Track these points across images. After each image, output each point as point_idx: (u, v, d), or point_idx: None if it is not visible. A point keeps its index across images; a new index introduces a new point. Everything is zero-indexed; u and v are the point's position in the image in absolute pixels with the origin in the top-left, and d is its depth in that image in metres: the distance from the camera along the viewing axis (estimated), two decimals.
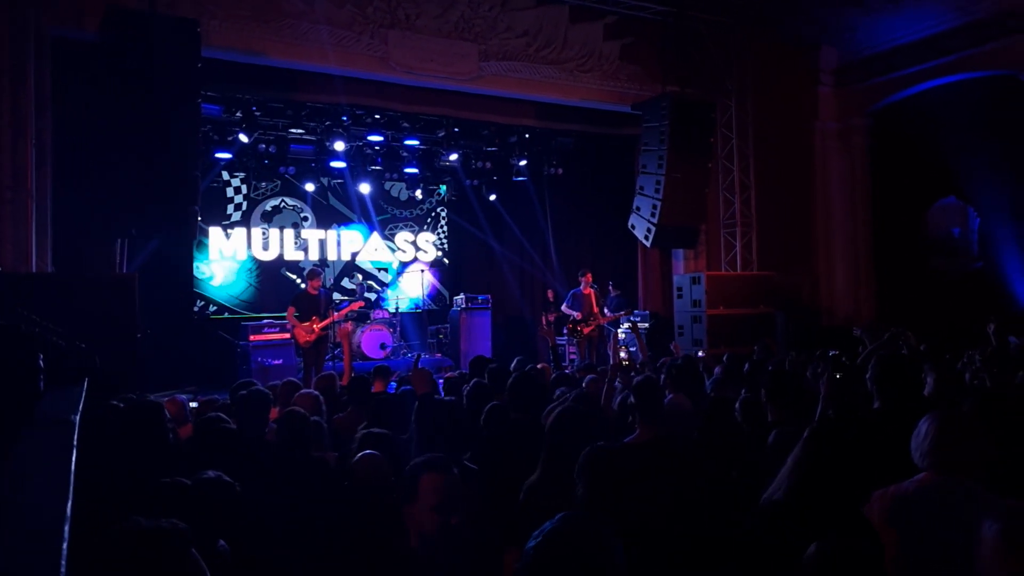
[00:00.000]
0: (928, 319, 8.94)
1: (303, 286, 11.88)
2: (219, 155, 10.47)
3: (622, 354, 4.50)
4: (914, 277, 11.22)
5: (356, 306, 10.06)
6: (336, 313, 8.59)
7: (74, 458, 1.08)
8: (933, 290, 10.63)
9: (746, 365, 6.19)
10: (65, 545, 0.73)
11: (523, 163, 11.94)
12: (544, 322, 12.20)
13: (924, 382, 4.09)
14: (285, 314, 8.50)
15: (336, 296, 11.98)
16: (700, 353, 8.30)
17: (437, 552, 2.26)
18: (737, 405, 4.10)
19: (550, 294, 12.37)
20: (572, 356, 10.43)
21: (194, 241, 10.23)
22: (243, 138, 9.95)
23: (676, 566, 2.32)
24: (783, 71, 11.54)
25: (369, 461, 3.00)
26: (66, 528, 0.77)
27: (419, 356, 7.79)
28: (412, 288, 13.21)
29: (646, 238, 10.10)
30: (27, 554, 0.74)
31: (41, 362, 2.04)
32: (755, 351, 7.21)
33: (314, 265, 12.03)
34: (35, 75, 7.01)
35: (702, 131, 10.09)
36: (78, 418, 1.46)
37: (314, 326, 8.18)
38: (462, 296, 11.44)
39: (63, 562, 0.69)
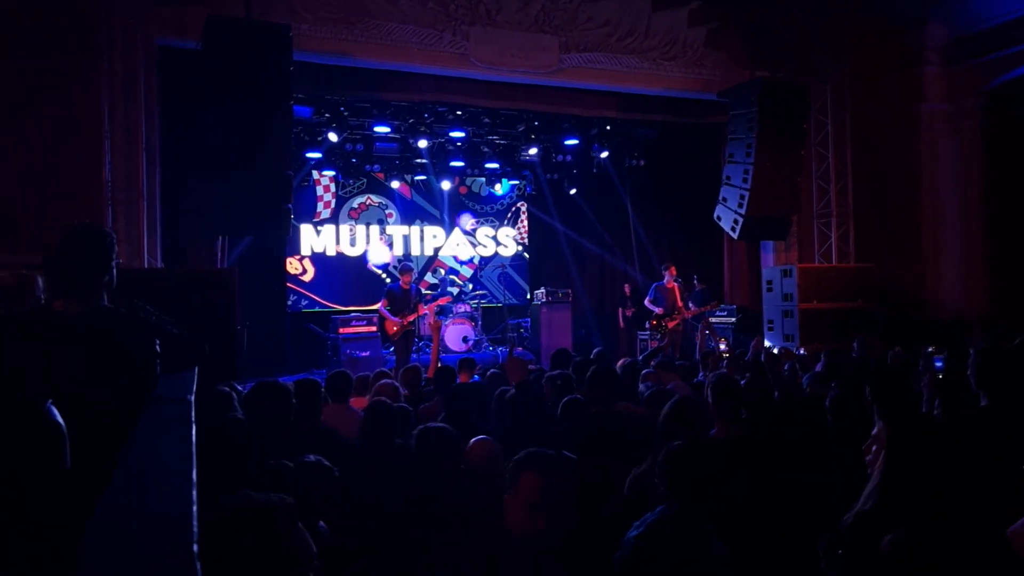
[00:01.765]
0: None
1: (388, 281, 12.24)
2: (309, 155, 10.88)
3: (722, 347, 4.40)
4: None
5: (444, 301, 10.30)
6: (425, 307, 8.82)
7: (194, 432, 1.14)
8: None
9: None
10: (195, 508, 0.77)
11: (604, 155, 11.82)
12: (621, 317, 12.06)
13: None
14: (374, 307, 8.77)
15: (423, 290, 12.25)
16: (802, 351, 7.98)
17: (527, 549, 2.24)
18: (827, 403, 3.94)
19: (627, 288, 12.21)
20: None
21: (287, 238, 10.65)
22: (332, 137, 10.30)
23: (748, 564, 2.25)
24: (884, 50, 10.91)
25: (484, 444, 3.01)
26: (193, 493, 0.82)
27: (512, 346, 7.83)
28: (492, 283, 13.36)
29: (733, 230, 9.77)
30: (162, 507, 0.78)
31: (158, 348, 2.17)
32: (854, 347, 6.89)
33: (401, 260, 12.35)
34: (144, 83, 7.48)
35: (794, 117, 9.65)
36: (193, 398, 1.54)
37: (404, 320, 8.46)
38: (542, 290, 11.44)
39: (194, 522, 0.73)
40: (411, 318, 8.54)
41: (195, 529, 0.72)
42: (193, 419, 1.29)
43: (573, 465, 3.11)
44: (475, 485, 2.82)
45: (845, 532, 2.15)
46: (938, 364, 5.36)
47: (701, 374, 6.01)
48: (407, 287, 8.74)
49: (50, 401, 1.33)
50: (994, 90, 10.71)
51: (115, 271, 2.24)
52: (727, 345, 4.51)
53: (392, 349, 10.12)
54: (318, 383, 4.00)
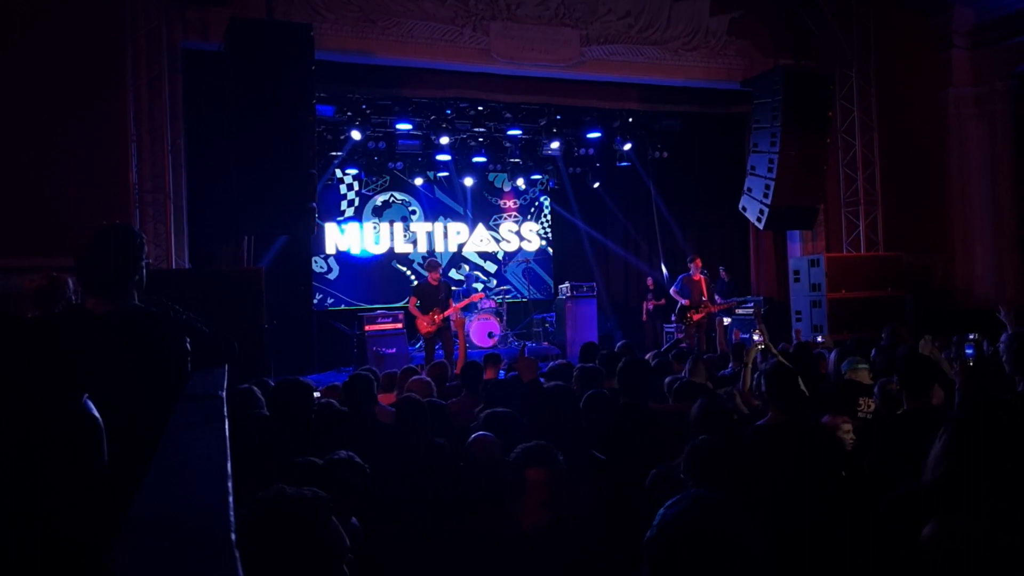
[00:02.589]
0: None
1: (415, 280, 12.29)
2: (333, 153, 10.95)
3: (756, 337, 4.37)
4: None
5: (477, 297, 10.34)
6: (457, 304, 8.84)
7: (227, 426, 1.15)
8: None
9: (872, 351, 5.85)
10: (231, 498, 0.77)
11: (627, 148, 11.73)
12: (644, 311, 11.98)
13: None
14: (400, 305, 8.80)
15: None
16: (820, 338, 7.89)
17: (548, 544, 2.22)
18: (876, 389, 3.93)
19: (650, 281, 12.13)
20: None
21: (312, 237, 10.74)
22: (355, 135, 10.34)
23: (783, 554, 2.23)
24: (909, 35, 10.69)
25: (482, 442, 3.03)
26: (229, 484, 0.82)
27: (524, 345, 7.83)
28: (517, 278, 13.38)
29: (758, 220, 9.66)
30: (198, 498, 0.79)
31: (188, 346, 2.19)
32: (883, 336, 6.79)
33: (427, 256, 12.42)
34: (169, 86, 7.59)
35: (819, 105, 9.50)
36: (224, 394, 1.56)
37: (435, 316, 8.45)
38: (567, 284, 11.40)
39: (231, 513, 0.74)
40: (444, 315, 8.51)
41: (232, 521, 0.73)
42: (226, 414, 1.30)
43: (597, 461, 3.10)
44: (478, 480, 2.82)
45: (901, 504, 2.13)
46: (968, 352, 5.28)
47: (730, 366, 5.95)
48: (435, 283, 8.71)
49: (86, 396, 1.35)
50: (1023, 73, 10.44)
51: (145, 271, 2.27)
52: (762, 336, 4.47)
53: (419, 345, 10.17)
54: (370, 378, 4.04)
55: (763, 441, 3.10)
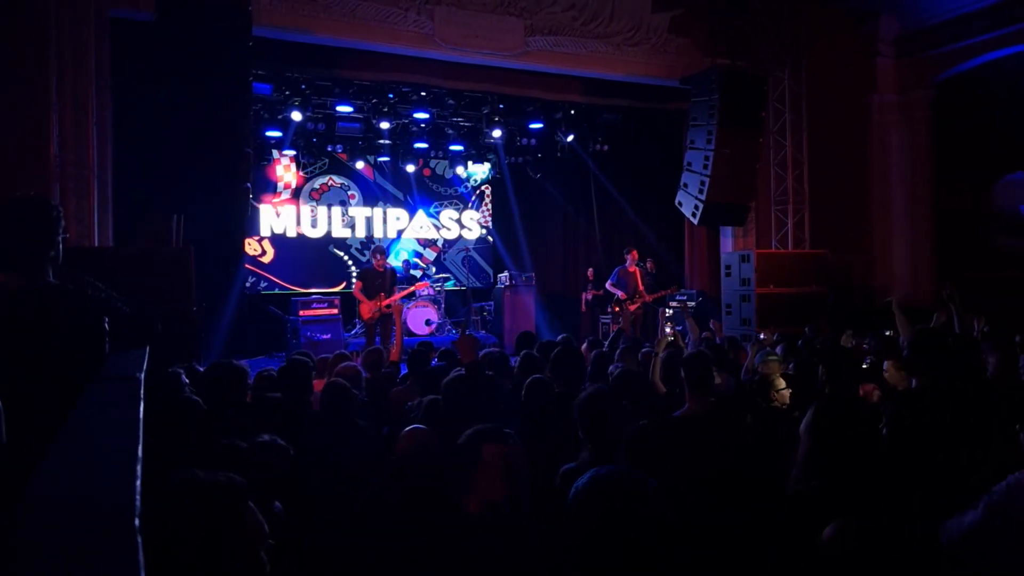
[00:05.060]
0: (992, 298, 8.58)
1: (352, 265, 12.12)
2: (269, 133, 10.66)
3: (667, 330, 4.51)
4: (978, 255, 10.77)
5: (422, 286, 10.31)
6: (400, 291, 8.84)
7: (141, 408, 1.12)
8: (998, 269, 10.20)
9: (799, 342, 6.11)
10: (138, 482, 0.76)
11: (568, 140, 11.84)
12: (583, 301, 12.17)
13: (985, 362, 3.94)
14: (335, 290, 8.69)
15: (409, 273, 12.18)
16: (762, 335, 8.14)
17: (501, 520, 2.26)
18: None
19: (590, 273, 12.31)
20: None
21: (245, 218, 10.44)
22: (295, 116, 10.08)
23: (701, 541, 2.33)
24: (840, 42, 11.13)
25: (413, 434, 3.03)
26: (138, 467, 0.81)
27: (467, 322, 7.83)
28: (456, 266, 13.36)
29: (693, 215, 9.91)
30: (102, 485, 0.77)
31: (106, 325, 2.12)
32: (806, 331, 7.08)
33: (364, 241, 12.25)
34: (95, 55, 7.22)
35: (753, 105, 9.79)
36: (143, 375, 1.52)
37: (380, 303, 8.42)
38: (506, 274, 11.47)
39: (137, 497, 0.72)
40: (387, 301, 8.49)
41: (138, 505, 0.71)
42: (141, 396, 1.27)
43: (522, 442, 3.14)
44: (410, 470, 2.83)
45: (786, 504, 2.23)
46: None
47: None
48: (381, 269, 8.66)
49: None
50: (943, 83, 11.01)
51: (61, 246, 2.18)
52: (671, 329, 4.64)
53: (354, 332, 10.03)
54: (307, 364, 3.99)
55: (674, 433, 3.19)
